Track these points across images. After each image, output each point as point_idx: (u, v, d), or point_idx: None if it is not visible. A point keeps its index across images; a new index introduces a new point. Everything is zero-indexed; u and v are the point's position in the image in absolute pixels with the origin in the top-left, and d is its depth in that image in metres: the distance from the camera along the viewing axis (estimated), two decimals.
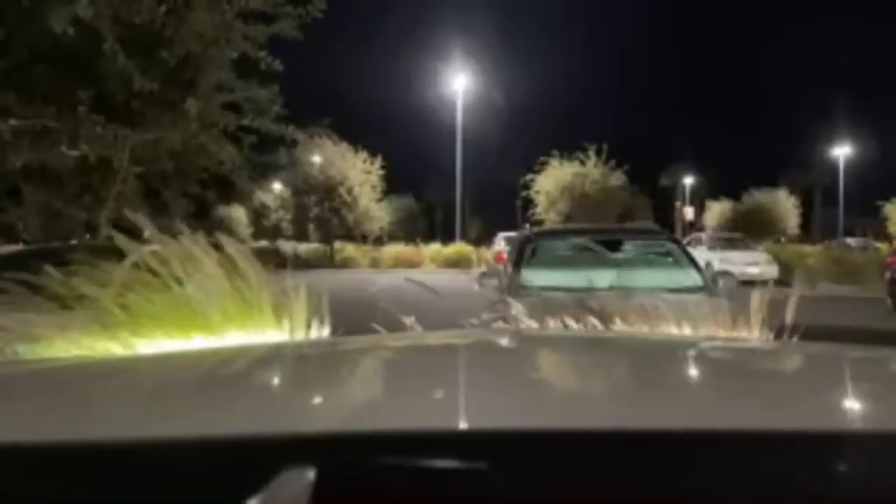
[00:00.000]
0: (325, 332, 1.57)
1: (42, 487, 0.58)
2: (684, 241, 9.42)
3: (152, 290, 1.52)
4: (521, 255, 5.40)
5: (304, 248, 28.78)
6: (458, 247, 27.92)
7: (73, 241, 7.76)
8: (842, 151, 49.87)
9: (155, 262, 1.54)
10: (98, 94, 7.13)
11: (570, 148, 26.24)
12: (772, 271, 17.34)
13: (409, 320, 1.79)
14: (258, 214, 37.51)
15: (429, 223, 57.31)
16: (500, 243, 22.07)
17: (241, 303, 1.53)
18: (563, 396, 0.91)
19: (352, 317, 1.76)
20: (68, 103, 6.92)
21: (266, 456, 0.57)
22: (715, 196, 45.57)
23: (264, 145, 9.07)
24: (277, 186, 32.27)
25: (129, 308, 1.46)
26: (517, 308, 4.63)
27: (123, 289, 1.51)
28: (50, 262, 1.67)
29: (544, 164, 26.29)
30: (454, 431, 0.64)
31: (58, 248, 6.27)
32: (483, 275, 5.91)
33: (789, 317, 1.68)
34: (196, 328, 1.46)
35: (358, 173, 26.36)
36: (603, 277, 4.94)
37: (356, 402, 0.87)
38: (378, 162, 26.81)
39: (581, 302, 2.71)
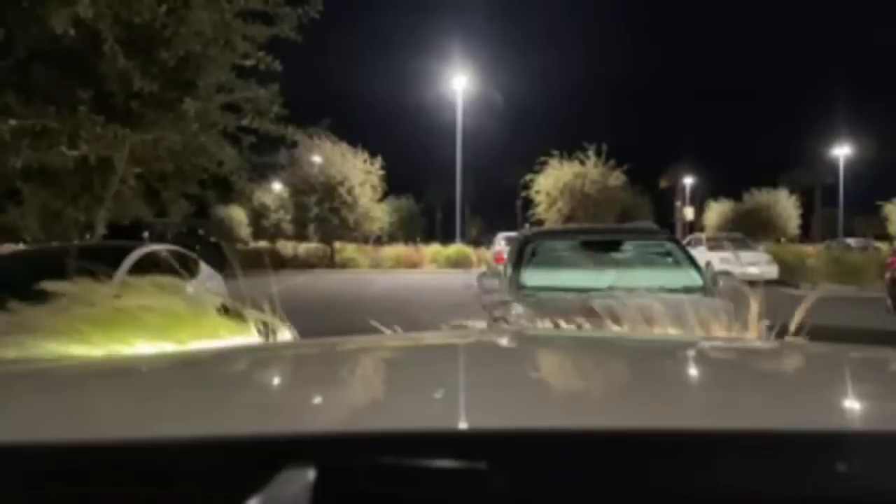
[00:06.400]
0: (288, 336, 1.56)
1: (42, 487, 0.58)
2: (684, 242, 9.41)
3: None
4: (521, 256, 5.40)
5: (304, 248, 28.79)
6: (458, 247, 27.93)
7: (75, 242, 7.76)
8: (842, 151, 49.88)
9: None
10: (98, 95, 7.13)
11: (570, 148, 26.24)
12: (772, 271, 17.35)
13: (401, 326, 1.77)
14: (258, 214, 37.47)
15: (429, 223, 57.36)
16: (500, 243, 22.06)
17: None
18: (564, 396, 0.91)
19: (352, 317, 1.75)
20: (68, 103, 6.92)
21: (266, 456, 0.57)
22: (715, 196, 45.65)
23: (264, 146, 9.08)
24: (277, 186, 32.24)
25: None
26: (517, 308, 4.64)
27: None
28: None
29: (544, 164, 26.28)
30: (454, 431, 0.64)
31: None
32: (483, 275, 5.90)
33: (787, 317, 1.68)
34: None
35: (358, 173, 26.33)
36: (602, 277, 4.94)
37: (356, 402, 0.87)
38: (378, 162, 26.80)
39: (580, 302, 2.71)
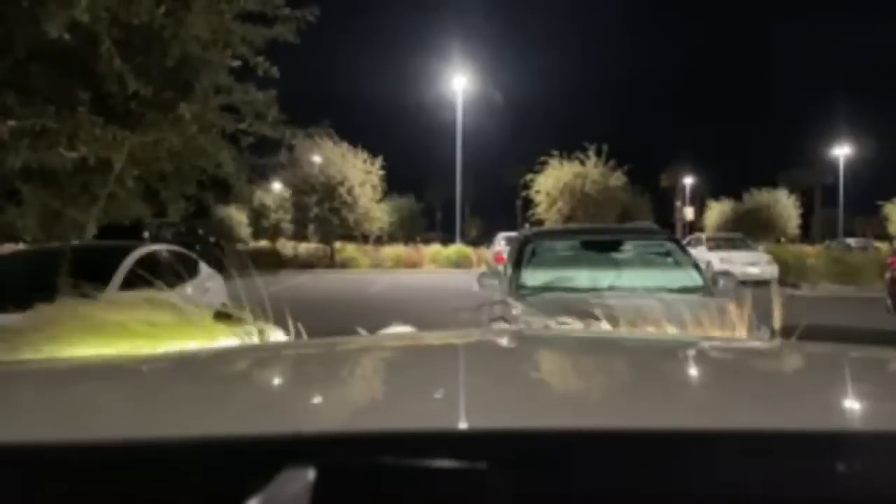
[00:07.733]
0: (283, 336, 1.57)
1: (42, 487, 0.58)
2: (684, 242, 9.41)
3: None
4: (521, 256, 5.40)
5: (304, 248, 28.77)
6: (458, 247, 27.92)
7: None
8: (842, 151, 49.85)
9: None
10: (97, 95, 7.12)
11: (570, 148, 26.19)
12: (772, 271, 17.35)
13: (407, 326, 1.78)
14: (258, 214, 37.46)
15: (429, 223, 57.45)
16: (500, 243, 22.05)
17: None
18: (563, 396, 0.91)
19: (353, 317, 1.76)
20: (67, 104, 6.91)
21: (266, 456, 0.57)
22: (715, 196, 45.63)
23: (264, 148, 9.07)
24: (277, 186, 32.22)
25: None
26: (517, 308, 4.64)
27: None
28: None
29: (544, 163, 26.26)
30: (454, 431, 0.64)
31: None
32: (483, 275, 5.90)
33: (789, 317, 1.68)
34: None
35: (358, 173, 26.30)
36: (603, 278, 4.94)
37: (356, 402, 0.87)
38: (378, 162, 26.78)
39: (581, 302, 2.71)
